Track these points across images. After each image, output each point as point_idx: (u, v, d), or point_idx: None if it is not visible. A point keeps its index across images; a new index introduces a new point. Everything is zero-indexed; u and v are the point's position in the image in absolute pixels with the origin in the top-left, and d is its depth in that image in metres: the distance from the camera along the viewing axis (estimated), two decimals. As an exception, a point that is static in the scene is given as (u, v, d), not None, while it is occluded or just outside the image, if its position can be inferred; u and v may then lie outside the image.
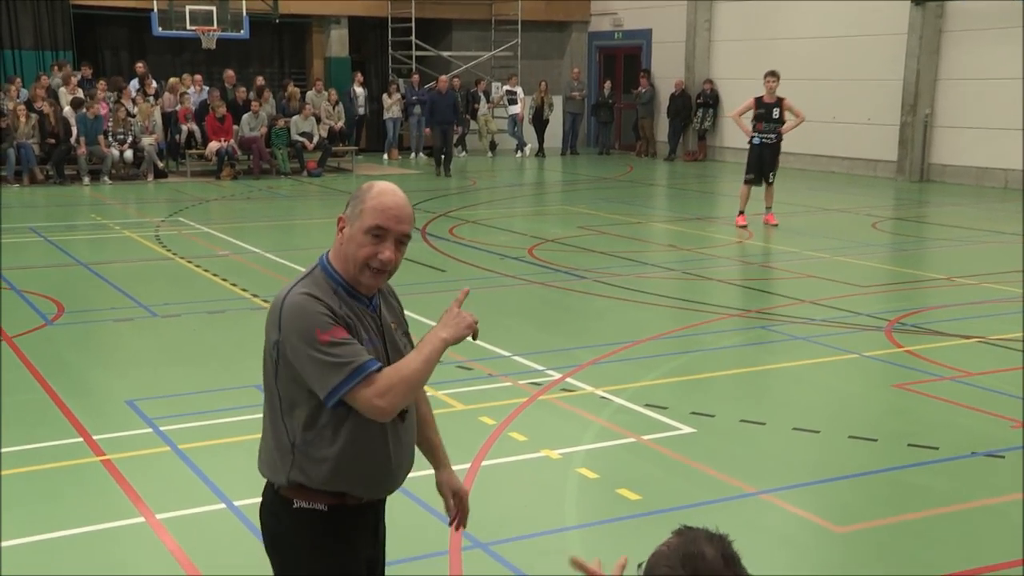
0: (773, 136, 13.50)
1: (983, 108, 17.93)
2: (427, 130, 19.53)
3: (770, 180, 13.58)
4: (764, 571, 3.44)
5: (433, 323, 2.71)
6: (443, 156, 19.62)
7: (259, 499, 2.88)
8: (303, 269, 2.85)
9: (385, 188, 2.74)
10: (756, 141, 13.57)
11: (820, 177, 19.82)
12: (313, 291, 2.69)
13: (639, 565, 1.94)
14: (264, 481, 2.85)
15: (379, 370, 2.63)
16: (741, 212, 13.56)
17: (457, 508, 3.07)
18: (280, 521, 2.77)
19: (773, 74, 13.51)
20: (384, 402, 2.62)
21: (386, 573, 3.05)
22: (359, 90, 22.42)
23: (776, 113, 13.42)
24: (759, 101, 13.52)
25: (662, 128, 23.88)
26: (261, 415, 2.86)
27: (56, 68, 19.61)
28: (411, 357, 2.69)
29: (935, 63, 18.66)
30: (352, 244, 2.71)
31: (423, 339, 2.70)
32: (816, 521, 4.92)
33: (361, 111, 22.52)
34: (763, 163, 13.54)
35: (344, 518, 2.75)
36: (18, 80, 19.00)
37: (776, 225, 13.45)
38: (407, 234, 2.75)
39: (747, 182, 13.64)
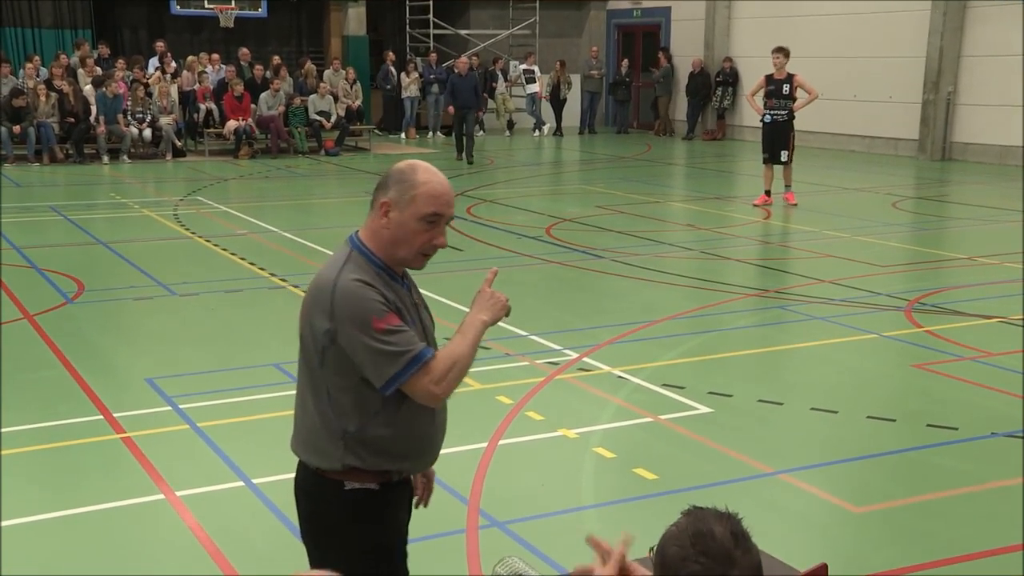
0: (784, 113, 13.35)
1: (1007, 85, 17.70)
2: (450, 109, 19.01)
3: (782, 159, 13.40)
4: (781, 550, 3.43)
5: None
6: (464, 141, 18.55)
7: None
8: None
9: (431, 170, 2.73)
10: (767, 119, 13.49)
11: (840, 156, 19.67)
12: (363, 276, 2.67)
13: (651, 549, 1.94)
14: (295, 462, 2.85)
15: (434, 357, 2.66)
16: (765, 192, 13.49)
17: (423, 488, 3.08)
18: (328, 503, 2.76)
19: (781, 50, 13.37)
20: (440, 389, 2.65)
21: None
22: (393, 70, 22.35)
23: (786, 90, 13.29)
24: (769, 78, 13.46)
25: (681, 107, 23.73)
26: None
27: (76, 48, 19.65)
28: (458, 342, 2.71)
29: (959, 39, 18.43)
30: (404, 230, 2.70)
31: (465, 323, 2.74)
32: (834, 501, 4.91)
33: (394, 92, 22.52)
34: (774, 141, 13.44)
35: (391, 494, 2.80)
36: (36, 59, 19.06)
37: (795, 205, 13.36)
38: (453, 216, 2.82)
39: (764, 161, 13.59)
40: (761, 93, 13.58)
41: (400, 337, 2.62)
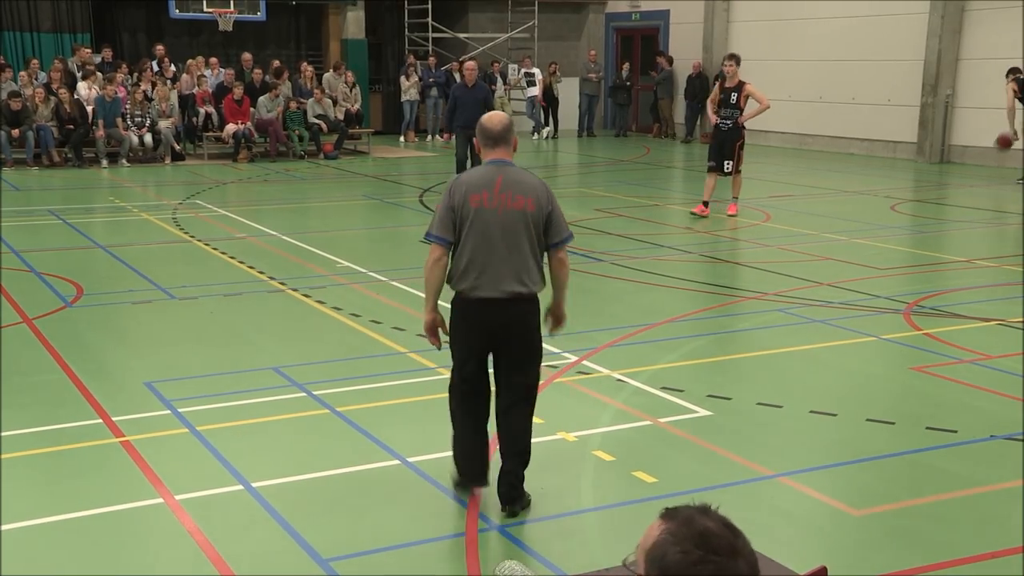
0: (729, 122, 12.86)
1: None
2: (446, 136, 16.76)
3: (726, 169, 12.95)
4: (781, 553, 3.43)
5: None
6: (472, 165, 14.63)
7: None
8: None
9: None
10: (722, 127, 12.97)
11: (839, 159, 19.69)
12: None
13: (624, 560, 1.94)
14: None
15: None
16: (703, 202, 12.99)
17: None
18: (535, 312, 4.69)
19: (732, 57, 12.96)
20: (566, 259, 4.74)
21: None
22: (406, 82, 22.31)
23: (733, 98, 12.78)
24: (721, 85, 13.00)
25: (679, 110, 23.75)
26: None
27: (83, 51, 19.59)
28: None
29: (957, 42, 18.45)
30: None
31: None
32: (833, 504, 4.91)
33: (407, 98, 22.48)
34: (722, 150, 12.97)
35: None
36: (35, 62, 19.04)
37: (734, 215, 12.94)
38: None
39: (709, 170, 13.10)
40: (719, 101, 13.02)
41: None
